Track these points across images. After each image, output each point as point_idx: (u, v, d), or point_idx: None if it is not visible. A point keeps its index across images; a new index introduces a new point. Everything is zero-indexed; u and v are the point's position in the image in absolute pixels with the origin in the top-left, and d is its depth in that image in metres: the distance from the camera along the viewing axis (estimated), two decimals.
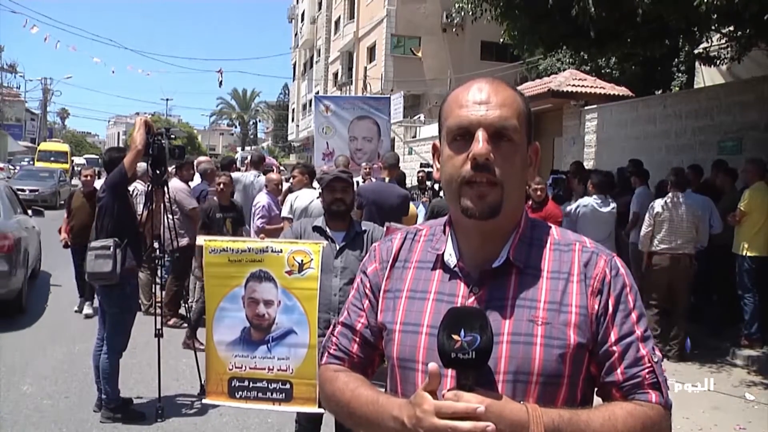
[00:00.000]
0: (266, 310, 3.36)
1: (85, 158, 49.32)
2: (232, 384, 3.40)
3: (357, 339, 1.34)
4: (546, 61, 16.94)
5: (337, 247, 3.34)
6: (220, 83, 59.22)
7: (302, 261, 3.30)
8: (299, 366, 3.35)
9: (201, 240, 3.52)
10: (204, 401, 3.63)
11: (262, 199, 6.76)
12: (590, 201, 6.95)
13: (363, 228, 3.44)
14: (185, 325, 6.41)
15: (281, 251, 3.33)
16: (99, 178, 8.70)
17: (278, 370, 3.39)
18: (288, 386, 3.39)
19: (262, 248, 3.36)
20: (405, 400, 1.13)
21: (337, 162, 8.10)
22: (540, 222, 1.31)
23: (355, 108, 11.94)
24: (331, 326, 1.41)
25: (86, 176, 7.74)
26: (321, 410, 3.17)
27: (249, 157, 8.88)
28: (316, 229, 3.43)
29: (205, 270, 3.46)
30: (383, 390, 1.28)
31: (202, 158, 9.36)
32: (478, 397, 1.04)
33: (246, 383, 3.41)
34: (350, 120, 11.64)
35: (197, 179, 7.86)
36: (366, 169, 9.15)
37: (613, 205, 6.98)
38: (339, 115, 11.69)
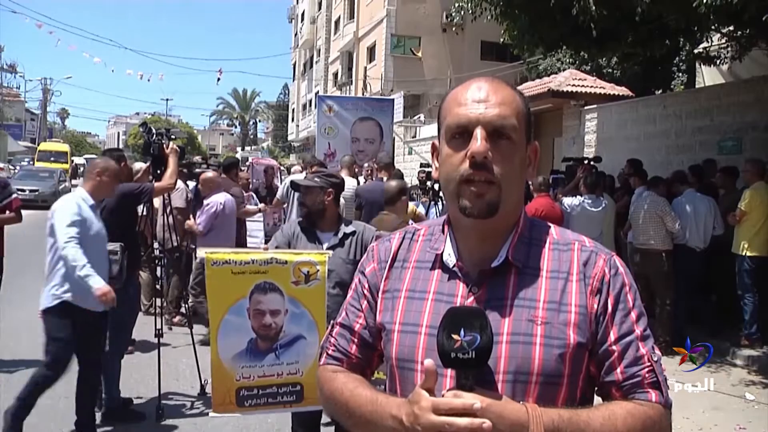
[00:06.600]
0: (273, 319, 3.29)
1: (85, 158, 49.38)
2: (240, 394, 3.33)
3: (355, 340, 1.34)
4: (546, 61, 16.92)
5: (324, 249, 3.32)
6: (218, 80, 59.24)
7: (308, 272, 3.24)
8: (309, 367, 3.29)
9: (202, 252, 3.37)
10: (211, 414, 3.53)
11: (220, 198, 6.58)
12: (581, 200, 7.05)
13: (352, 229, 3.41)
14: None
15: (286, 263, 3.25)
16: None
17: (288, 374, 3.33)
18: (298, 388, 3.34)
19: (266, 260, 3.27)
20: (404, 399, 1.13)
21: (343, 162, 8.09)
22: (539, 221, 1.31)
23: (358, 109, 11.94)
24: (329, 327, 1.41)
25: None
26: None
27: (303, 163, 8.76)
28: (304, 230, 3.42)
29: (207, 283, 3.34)
30: (383, 389, 1.28)
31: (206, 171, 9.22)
32: (478, 396, 1.04)
33: (255, 391, 3.34)
34: (353, 121, 11.64)
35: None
36: (368, 170, 9.15)
37: (605, 203, 7.07)
38: (342, 116, 11.68)
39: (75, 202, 3.95)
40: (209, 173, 6.83)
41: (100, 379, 4.32)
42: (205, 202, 6.51)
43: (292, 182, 3.63)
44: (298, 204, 3.43)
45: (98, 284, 3.73)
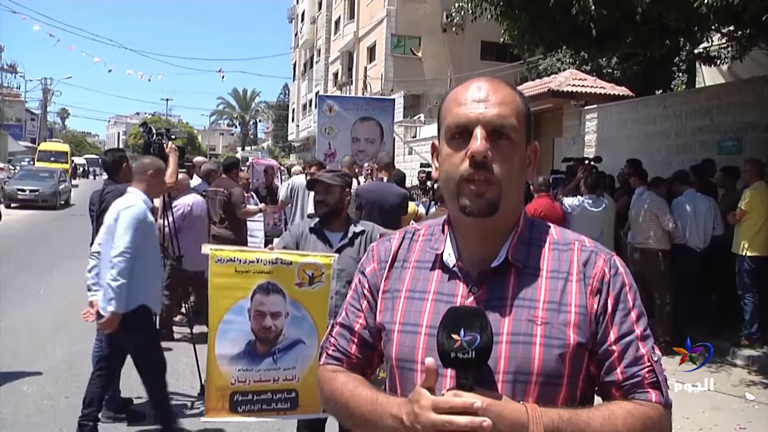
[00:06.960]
0: (273, 322, 3.24)
1: (85, 158, 49.43)
2: (234, 399, 3.27)
3: (355, 340, 1.34)
4: (546, 61, 16.92)
5: (334, 249, 3.29)
6: (222, 77, 59.98)
7: (313, 274, 3.20)
8: (305, 374, 3.25)
9: (206, 249, 3.29)
10: (203, 419, 3.48)
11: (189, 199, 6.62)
12: (582, 200, 7.05)
13: (361, 229, 3.39)
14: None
15: (291, 263, 3.21)
16: (94, 178, 8.63)
17: (284, 380, 3.29)
18: (293, 395, 3.30)
19: (271, 260, 3.22)
20: (404, 399, 1.13)
21: (343, 162, 8.09)
22: (539, 221, 1.31)
23: (359, 109, 11.94)
24: (329, 327, 1.41)
25: None
26: (326, 414, 3.08)
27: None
28: (313, 230, 3.39)
29: (209, 280, 3.26)
30: (383, 389, 1.28)
31: (200, 159, 9.30)
32: (478, 396, 1.04)
33: (249, 396, 3.28)
34: (353, 121, 11.64)
35: (196, 179, 7.86)
36: (368, 170, 9.14)
37: (605, 203, 7.08)
38: (342, 116, 11.68)
39: (142, 208, 3.93)
40: (179, 175, 6.88)
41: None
42: (174, 203, 6.55)
43: (309, 181, 3.59)
44: (315, 203, 3.41)
45: (117, 310, 3.75)
